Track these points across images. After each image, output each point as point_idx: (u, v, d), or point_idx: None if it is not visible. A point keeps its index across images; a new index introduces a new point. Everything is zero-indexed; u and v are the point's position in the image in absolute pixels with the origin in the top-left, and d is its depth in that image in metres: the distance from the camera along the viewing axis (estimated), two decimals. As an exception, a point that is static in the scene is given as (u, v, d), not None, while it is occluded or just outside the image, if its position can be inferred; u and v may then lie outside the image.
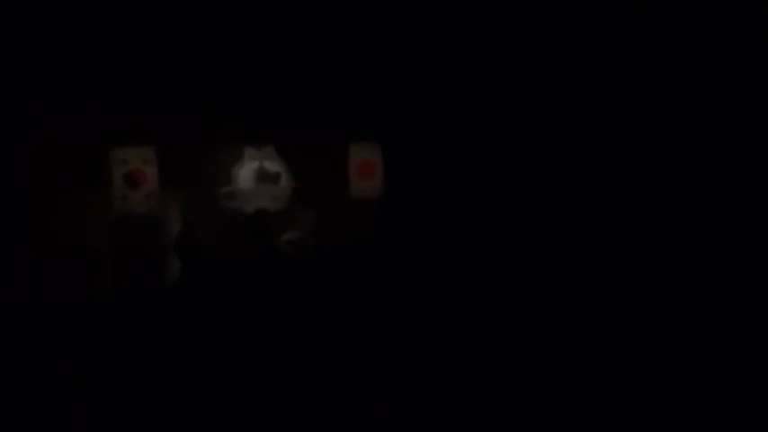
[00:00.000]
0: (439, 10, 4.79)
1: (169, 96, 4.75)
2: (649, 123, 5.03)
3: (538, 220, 5.12)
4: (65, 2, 4.24)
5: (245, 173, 5.09)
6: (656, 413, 3.26)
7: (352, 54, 4.98)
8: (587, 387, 3.48)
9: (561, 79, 5.11)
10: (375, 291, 4.69)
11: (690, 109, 4.91)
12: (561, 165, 5.20)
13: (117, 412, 3.43)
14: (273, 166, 5.14)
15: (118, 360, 3.79)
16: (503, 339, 3.89)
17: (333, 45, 4.90)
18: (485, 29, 4.90)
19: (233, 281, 4.66)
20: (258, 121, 5.08)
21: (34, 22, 4.31)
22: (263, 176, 5.10)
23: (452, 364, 3.76)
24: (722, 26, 4.61)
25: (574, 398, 3.42)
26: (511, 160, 5.30)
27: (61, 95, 4.57)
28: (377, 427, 3.37)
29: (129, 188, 4.63)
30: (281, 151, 5.18)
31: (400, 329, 4.14)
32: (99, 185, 4.68)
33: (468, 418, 3.39)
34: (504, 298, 4.23)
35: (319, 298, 4.55)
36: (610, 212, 4.98)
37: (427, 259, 5.01)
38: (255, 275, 4.81)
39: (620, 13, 4.74)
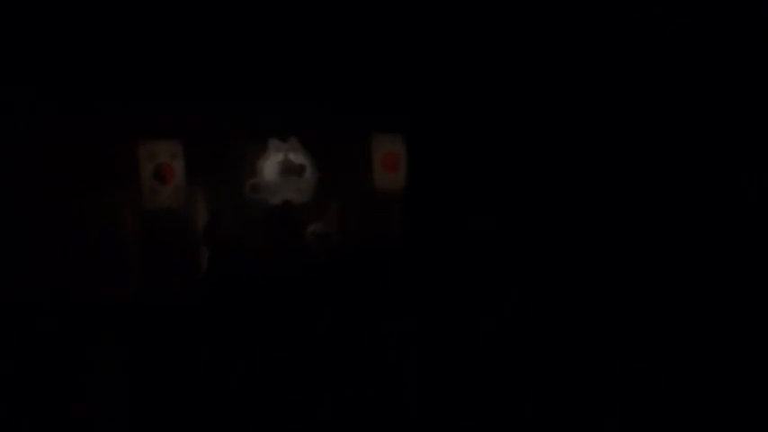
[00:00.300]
0: (461, 3, 4.79)
1: (195, 91, 4.78)
2: (655, 125, 5.03)
3: (556, 211, 5.14)
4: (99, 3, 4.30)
5: (271, 165, 5.10)
6: (656, 413, 3.28)
7: (375, 47, 4.99)
8: (595, 387, 3.49)
9: (575, 77, 5.12)
10: (400, 283, 4.72)
11: (691, 109, 4.90)
12: (572, 161, 5.21)
13: (147, 405, 3.49)
14: (298, 158, 5.15)
15: (148, 352, 3.85)
16: (534, 329, 3.91)
17: (356, 38, 4.91)
18: (508, 22, 4.89)
19: (259, 272, 4.72)
20: (283, 114, 5.10)
21: (68, 25, 4.37)
22: (288, 169, 5.12)
23: (481, 358, 3.78)
24: (722, 26, 4.59)
25: (575, 398, 3.43)
26: (533, 152, 5.31)
27: (87, 91, 4.62)
28: (407, 423, 3.40)
29: (158, 183, 4.68)
30: (306, 143, 5.19)
31: (424, 321, 4.16)
32: (128, 180, 4.73)
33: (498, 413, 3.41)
34: (532, 289, 4.25)
35: (344, 289, 4.59)
36: (617, 212, 5.00)
37: (452, 250, 5.04)
38: (282, 266, 4.87)
39: (625, 15, 4.74)
